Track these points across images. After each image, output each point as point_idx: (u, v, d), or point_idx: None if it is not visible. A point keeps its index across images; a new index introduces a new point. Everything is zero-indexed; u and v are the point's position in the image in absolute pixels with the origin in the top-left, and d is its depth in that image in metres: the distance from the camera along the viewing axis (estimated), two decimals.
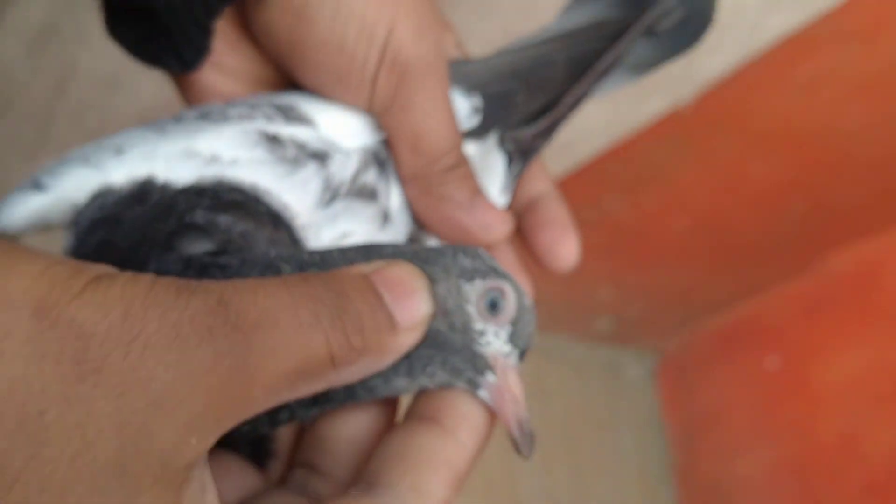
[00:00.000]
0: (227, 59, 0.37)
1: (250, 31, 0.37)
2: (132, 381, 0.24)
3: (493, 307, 0.31)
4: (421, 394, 0.33)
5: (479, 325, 0.31)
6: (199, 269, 0.31)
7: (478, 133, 0.39)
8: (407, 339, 0.29)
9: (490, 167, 0.39)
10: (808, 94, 0.93)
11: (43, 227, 0.34)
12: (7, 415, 0.23)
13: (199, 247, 0.32)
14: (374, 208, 0.37)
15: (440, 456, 0.31)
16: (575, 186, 0.97)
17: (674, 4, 0.42)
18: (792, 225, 1.13)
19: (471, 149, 0.39)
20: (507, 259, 0.40)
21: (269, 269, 0.31)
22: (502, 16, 0.82)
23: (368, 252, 0.31)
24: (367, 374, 0.29)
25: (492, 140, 0.40)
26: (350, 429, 0.33)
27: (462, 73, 0.39)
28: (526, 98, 0.40)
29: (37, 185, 0.33)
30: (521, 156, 0.40)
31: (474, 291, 0.31)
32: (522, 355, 0.32)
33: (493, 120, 0.39)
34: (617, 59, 0.41)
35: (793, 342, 1.25)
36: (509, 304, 0.32)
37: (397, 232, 0.37)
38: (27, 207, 0.33)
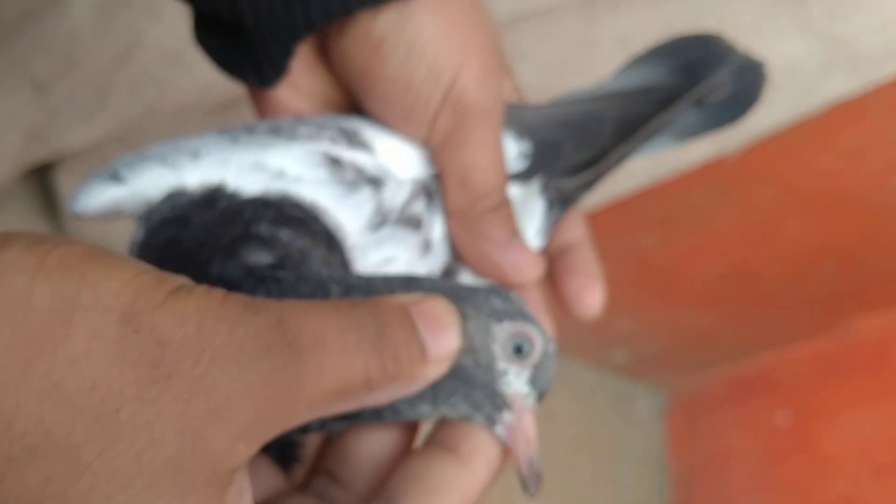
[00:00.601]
0: (301, 79, 0.40)
1: (327, 56, 0.39)
2: (198, 388, 0.26)
3: (519, 350, 0.34)
4: (442, 422, 0.35)
5: (502, 364, 0.33)
6: (258, 279, 0.33)
7: (523, 176, 0.41)
8: (435, 370, 0.31)
9: (530, 211, 0.41)
10: (852, 161, 0.94)
11: (114, 215, 0.36)
12: (87, 410, 0.25)
13: (260, 258, 0.34)
14: (418, 237, 0.38)
15: (454, 483, 0.33)
16: (609, 218, 0.98)
17: (725, 79, 0.43)
18: (820, 285, 1.13)
19: (514, 191, 0.41)
20: (535, 299, 0.42)
21: (320, 287, 0.33)
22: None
23: (409, 283, 0.33)
24: (395, 398, 0.31)
25: (535, 185, 0.41)
26: (373, 445, 0.36)
27: (516, 118, 0.41)
28: (573, 150, 0.41)
29: (115, 177, 0.36)
30: (560, 204, 0.42)
31: (502, 332, 0.33)
32: (541, 397, 0.34)
33: (539, 166, 0.41)
34: (664, 125, 0.43)
35: (805, 400, 1.25)
36: (534, 349, 0.34)
37: (436, 261, 0.39)
38: (104, 196, 0.36)
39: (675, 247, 1.09)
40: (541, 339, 0.34)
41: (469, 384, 0.33)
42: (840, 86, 0.85)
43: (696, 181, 0.96)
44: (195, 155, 0.35)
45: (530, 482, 0.34)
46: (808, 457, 1.23)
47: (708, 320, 1.24)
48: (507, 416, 0.33)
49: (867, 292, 1.15)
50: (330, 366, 0.28)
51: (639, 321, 1.24)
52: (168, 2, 0.79)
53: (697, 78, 0.44)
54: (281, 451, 0.36)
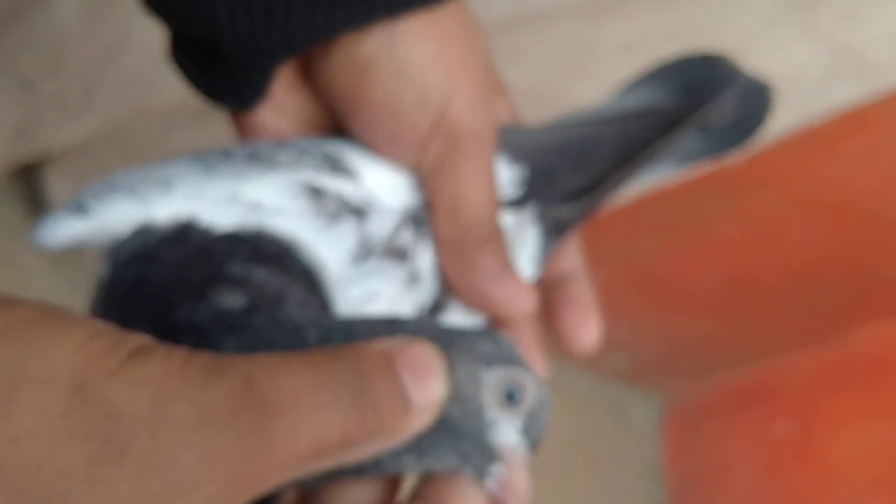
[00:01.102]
0: (283, 100, 0.38)
1: (310, 77, 0.37)
2: (155, 463, 0.24)
3: (510, 398, 0.31)
4: (427, 477, 0.32)
5: (492, 412, 0.31)
6: (229, 326, 0.31)
7: (517, 203, 0.39)
8: (420, 421, 0.29)
9: (523, 238, 0.39)
10: (858, 168, 0.93)
11: (81, 247, 0.34)
12: (33, 493, 0.24)
13: (232, 300, 0.32)
14: (404, 269, 0.36)
15: None
16: (610, 224, 0.97)
17: (729, 104, 0.42)
18: (823, 293, 1.13)
19: (507, 218, 0.39)
20: (527, 332, 0.40)
21: (296, 333, 0.31)
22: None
23: (392, 326, 0.31)
24: (377, 452, 0.29)
25: (529, 212, 0.39)
26: (352, 499, 0.33)
27: (511, 142, 0.39)
28: (569, 175, 0.40)
29: (81, 209, 0.33)
30: (556, 232, 0.40)
31: (492, 379, 0.31)
32: (534, 447, 0.32)
33: (534, 192, 0.39)
34: (665, 151, 0.41)
35: (806, 409, 1.25)
36: (526, 396, 0.31)
37: (424, 294, 0.37)
38: (69, 230, 0.34)
39: (676, 253, 1.09)
40: (534, 385, 0.31)
41: (457, 434, 0.31)
42: (846, 93, 0.84)
43: (698, 188, 0.96)
44: (167, 186, 0.33)
45: None
46: (808, 468, 1.22)
47: (708, 327, 1.24)
48: (497, 469, 0.31)
49: (870, 301, 1.14)
50: (304, 427, 0.26)
51: (638, 327, 1.23)
52: None
53: (700, 100, 0.42)
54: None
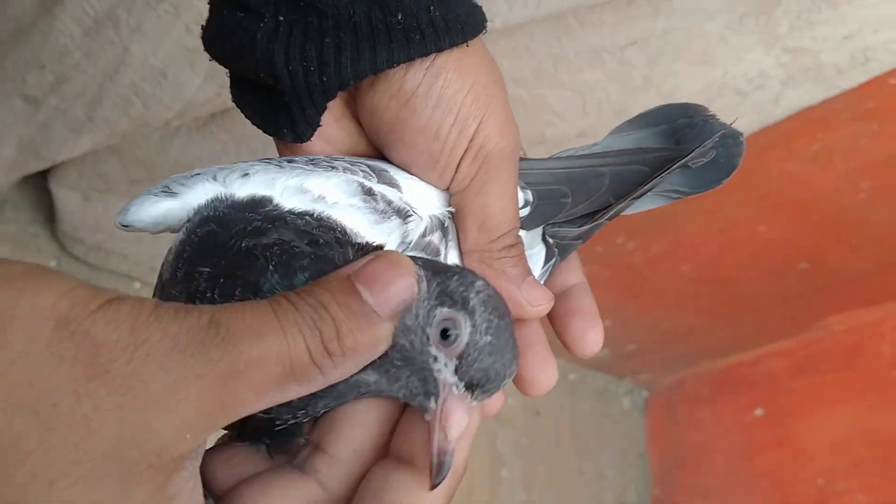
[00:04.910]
0: (329, 130, 0.42)
1: (354, 108, 0.42)
2: (135, 382, 0.29)
3: (445, 336, 0.35)
4: (401, 431, 0.36)
5: (433, 349, 0.35)
6: (281, 254, 0.35)
7: (525, 224, 0.44)
8: (385, 328, 0.33)
9: (531, 256, 0.44)
10: (820, 164, 0.96)
11: (160, 228, 0.39)
12: (26, 405, 0.28)
13: (286, 236, 0.36)
14: None
15: (410, 500, 0.35)
16: None
17: (710, 147, 0.46)
18: (793, 286, 1.15)
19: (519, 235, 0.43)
20: (540, 332, 0.44)
21: (327, 259, 0.35)
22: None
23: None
24: (366, 364, 0.33)
25: (536, 232, 0.44)
26: (354, 414, 0.37)
27: (521, 169, 0.44)
28: (573, 201, 0.44)
29: (168, 192, 0.38)
30: (560, 250, 0.45)
31: (439, 316, 0.35)
32: (475, 391, 0.35)
33: (540, 214, 0.44)
34: (655, 185, 0.46)
35: (781, 396, 1.28)
36: (460, 338, 0.35)
37: None
38: (156, 209, 0.38)
39: (652, 251, 1.12)
40: (469, 328, 0.35)
41: (410, 366, 0.35)
42: (806, 94, 0.87)
43: None
44: (245, 175, 0.38)
45: (433, 471, 0.34)
46: (784, 451, 1.25)
47: (685, 321, 1.27)
48: (432, 404, 0.35)
49: (838, 293, 1.17)
50: (271, 353, 0.30)
51: (619, 322, 1.26)
52: (152, 20, 0.81)
53: (682, 142, 0.48)
54: (277, 439, 0.38)
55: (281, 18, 0.39)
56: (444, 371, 0.35)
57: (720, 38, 0.83)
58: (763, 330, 1.27)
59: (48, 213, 1.14)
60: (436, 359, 0.35)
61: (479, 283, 0.37)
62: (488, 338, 0.35)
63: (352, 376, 0.34)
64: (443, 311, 0.35)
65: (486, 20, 0.42)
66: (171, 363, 0.29)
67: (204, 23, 0.41)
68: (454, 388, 0.35)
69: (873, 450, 1.16)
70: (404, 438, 0.36)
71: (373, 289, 0.33)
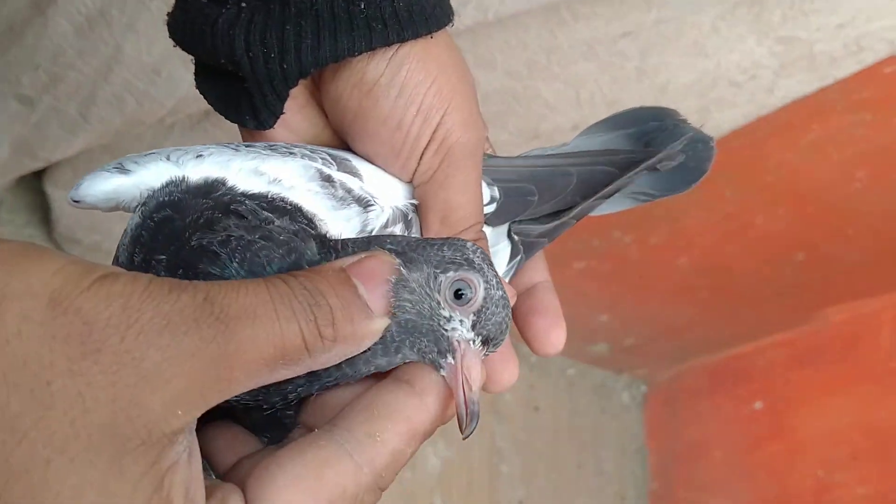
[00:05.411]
0: (293, 119, 0.42)
1: (318, 98, 0.42)
2: (127, 360, 0.29)
3: (459, 296, 0.36)
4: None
5: (446, 311, 0.36)
6: (228, 243, 0.35)
7: (491, 221, 0.44)
8: (379, 323, 0.34)
9: (495, 252, 0.44)
10: (817, 154, 0.96)
11: (112, 205, 0.39)
12: (21, 384, 0.28)
13: (240, 229, 0.36)
14: None
15: (402, 412, 0.35)
16: (587, 219, 0.99)
17: (678, 150, 0.46)
18: (791, 277, 1.16)
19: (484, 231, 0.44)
20: None
21: (293, 253, 0.35)
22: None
23: (369, 242, 0.36)
24: (348, 356, 0.33)
25: (502, 229, 0.45)
26: (344, 394, 0.37)
27: (488, 166, 0.44)
28: (539, 199, 0.45)
29: (121, 168, 0.38)
30: (525, 248, 0.45)
31: (446, 280, 0.36)
32: (488, 344, 0.37)
33: (507, 211, 0.44)
34: (623, 187, 0.46)
35: (780, 388, 1.28)
36: (476, 295, 0.36)
37: None
38: (108, 185, 0.38)
39: (650, 244, 1.12)
40: (483, 285, 0.36)
41: (416, 333, 0.35)
42: (800, 84, 0.87)
43: None
44: (199, 157, 0.38)
45: (465, 422, 0.35)
46: (783, 443, 1.25)
47: (683, 314, 1.27)
48: (449, 360, 0.36)
49: (837, 283, 1.17)
50: (263, 334, 0.30)
51: (617, 316, 1.26)
52: (145, 18, 0.81)
53: (652, 145, 0.48)
54: (270, 421, 0.38)
55: (243, 5, 0.39)
56: (460, 328, 0.36)
57: (712, 28, 0.83)
58: (761, 322, 1.27)
59: (44, 214, 1.14)
60: (449, 319, 0.36)
61: (470, 243, 0.38)
62: (500, 291, 0.37)
63: (356, 360, 0.35)
64: (452, 275, 0.36)
65: (452, 13, 0.42)
66: (164, 341, 0.29)
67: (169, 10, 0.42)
68: (471, 343, 0.36)
69: (872, 441, 1.17)
70: (405, 367, 0.37)
71: (368, 285, 0.33)
